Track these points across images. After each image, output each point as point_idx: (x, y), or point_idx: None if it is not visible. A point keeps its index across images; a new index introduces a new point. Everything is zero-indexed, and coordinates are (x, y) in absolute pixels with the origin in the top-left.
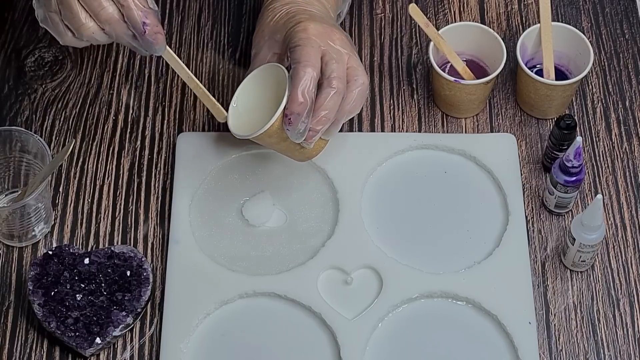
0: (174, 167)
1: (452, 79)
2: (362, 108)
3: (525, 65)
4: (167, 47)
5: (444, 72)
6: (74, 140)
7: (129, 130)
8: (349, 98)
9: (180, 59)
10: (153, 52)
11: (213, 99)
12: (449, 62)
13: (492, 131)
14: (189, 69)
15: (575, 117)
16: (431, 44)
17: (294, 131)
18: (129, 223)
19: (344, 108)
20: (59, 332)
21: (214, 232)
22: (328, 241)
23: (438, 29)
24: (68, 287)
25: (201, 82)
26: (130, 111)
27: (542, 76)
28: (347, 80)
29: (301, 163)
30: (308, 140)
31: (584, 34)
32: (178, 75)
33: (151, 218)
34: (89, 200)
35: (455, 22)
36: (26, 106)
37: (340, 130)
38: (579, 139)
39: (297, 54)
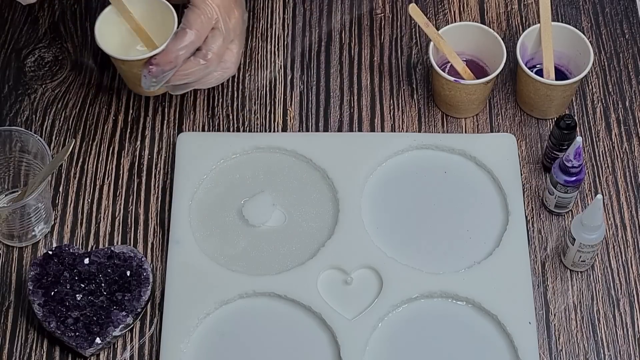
0: (174, 167)
1: (452, 79)
2: (363, 108)
3: (525, 65)
4: None
5: (444, 72)
6: (74, 140)
7: (129, 130)
8: (211, 74)
9: None
10: None
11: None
12: (449, 62)
13: (492, 131)
14: None
15: (575, 117)
16: (431, 44)
17: (148, 80)
18: (129, 223)
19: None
20: (59, 332)
21: (214, 232)
22: (328, 241)
23: (438, 29)
24: (68, 287)
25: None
26: (130, 111)
27: (542, 76)
28: None
29: (303, 163)
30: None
31: (584, 34)
32: None
33: (151, 218)
34: (89, 200)
35: (455, 22)
36: (26, 106)
37: (340, 130)
38: (579, 139)
39: (191, 16)
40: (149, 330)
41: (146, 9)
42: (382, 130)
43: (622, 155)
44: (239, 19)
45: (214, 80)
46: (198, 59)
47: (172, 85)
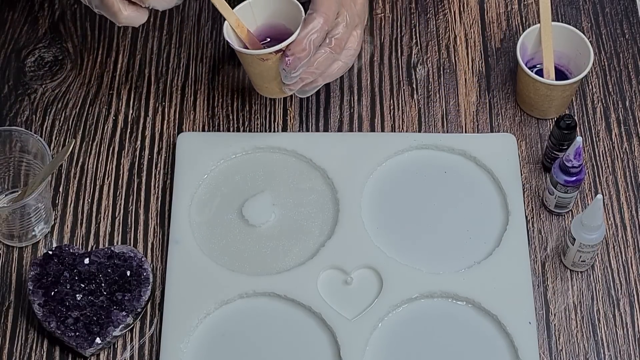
0: (174, 167)
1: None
2: (362, 108)
3: (525, 65)
4: None
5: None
6: (74, 140)
7: (129, 130)
8: (334, 64)
9: (180, 58)
10: None
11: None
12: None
13: (492, 131)
14: (190, 71)
15: (575, 117)
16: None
17: (288, 73)
18: (129, 223)
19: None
20: (59, 332)
21: (214, 232)
22: (328, 241)
23: (438, 29)
24: (68, 287)
25: (201, 82)
26: (130, 111)
27: (542, 76)
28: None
29: (303, 163)
30: (292, 87)
31: (584, 34)
32: (178, 75)
33: (151, 218)
34: (89, 200)
35: (455, 21)
36: (26, 106)
37: (340, 130)
38: (579, 139)
39: (319, 2)
40: (149, 330)
41: (267, 6)
42: (382, 130)
43: (622, 155)
44: (364, 3)
45: (337, 70)
46: (323, 49)
47: (302, 86)
